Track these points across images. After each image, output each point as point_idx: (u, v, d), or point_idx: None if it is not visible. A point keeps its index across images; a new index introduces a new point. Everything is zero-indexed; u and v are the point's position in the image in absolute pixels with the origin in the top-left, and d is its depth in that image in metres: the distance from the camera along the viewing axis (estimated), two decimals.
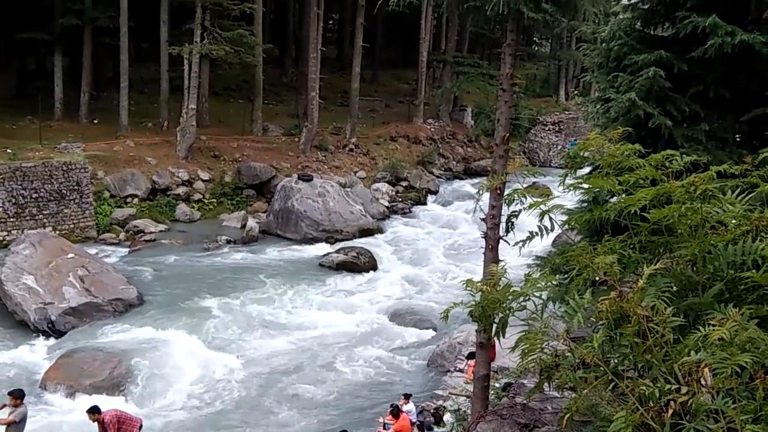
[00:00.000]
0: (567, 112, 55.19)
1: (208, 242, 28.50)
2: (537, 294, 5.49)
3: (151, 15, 39.17)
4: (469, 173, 45.87)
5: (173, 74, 38.09)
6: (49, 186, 27.70)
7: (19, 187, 26.99)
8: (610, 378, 4.65)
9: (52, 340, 19.05)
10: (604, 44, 11.96)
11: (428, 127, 47.11)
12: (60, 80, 37.83)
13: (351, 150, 41.05)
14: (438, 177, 42.95)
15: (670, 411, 4.07)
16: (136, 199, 31.10)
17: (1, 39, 32.00)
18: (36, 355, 18.15)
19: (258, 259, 27.50)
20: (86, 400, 15.76)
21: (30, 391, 16.16)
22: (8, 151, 28.76)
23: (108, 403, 14.78)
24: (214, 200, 33.37)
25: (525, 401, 7.05)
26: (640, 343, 4.54)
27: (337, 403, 16.95)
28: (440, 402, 14.52)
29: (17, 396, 12.41)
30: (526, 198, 6.81)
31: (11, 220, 26.59)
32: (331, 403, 16.95)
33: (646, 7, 11.48)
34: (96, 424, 12.54)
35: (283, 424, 15.94)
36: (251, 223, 30.54)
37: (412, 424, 14.00)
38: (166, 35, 37.36)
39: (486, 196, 9.75)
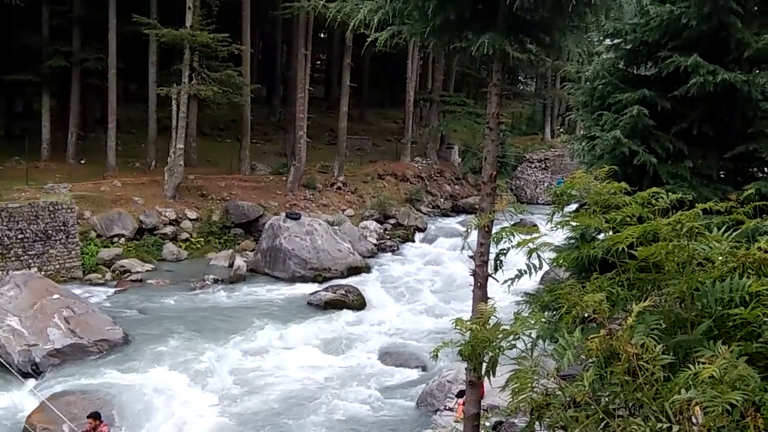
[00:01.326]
0: (553, 150, 55.73)
1: (195, 281, 28.31)
2: (527, 332, 5.48)
3: (139, 56, 39.48)
4: (456, 210, 46.07)
5: (161, 114, 38.28)
6: (35, 226, 27.53)
7: (5, 227, 26.81)
8: (601, 417, 4.62)
9: (36, 383, 18.73)
10: (588, 83, 12.16)
11: (416, 165, 47.39)
12: (47, 121, 37.89)
13: (339, 188, 41.18)
14: (426, 214, 43.07)
15: None
16: (122, 239, 30.95)
17: None
18: (19, 398, 17.79)
19: (245, 298, 27.33)
20: None
21: None
22: None
23: None
24: (202, 239, 33.27)
25: None
26: (631, 381, 4.53)
27: None
28: None
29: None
30: (514, 236, 6.84)
31: None
32: None
33: (628, 47, 11.70)
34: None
35: None
36: (239, 262, 30.41)
37: None
38: (155, 76, 37.62)
39: (474, 234, 9.77)
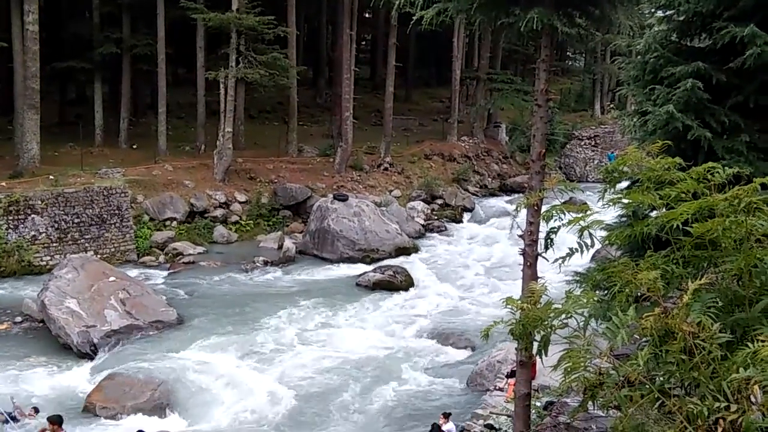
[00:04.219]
0: (603, 126, 54.71)
1: (245, 263, 28.70)
2: (579, 311, 5.42)
3: (187, 41, 39.93)
4: (504, 190, 45.65)
5: (210, 98, 38.72)
6: (91, 211, 28.22)
7: (62, 212, 27.54)
8: (656, 396, 4.55)
9: (94, 363, 19.29)
10: (639, 57, 11.85)
11: (462, 144, 47.06)
12: (100, 107, 38.68)
13: (386, 169, 41.16)
14: (473, 194, 42.80)
15: (720, 429, 3.98)
16: (174, 222, 31.52)
17: (43, 68, 32.81)
18: (79, 377, 18.37)
19: (295, 279, 27.64)
20: (128, 422, 15.98)
21: (74, 414, 16.45)
22: (50, 177, 29.42)
23: (149, 424, 14.94)
24: (251, 222, 33.67)
25: (569, 420, 6.93)
26: (687, 360, 4.45)
27: (376, 424, 16.84)
28: (481, 421, 14.35)
29: (55, 422, 12.60)
30: (564, 214, 6.75)
31: (54, 244, 27.13)
32: (371, 423, 16.84)
33: (681, 18, 11.35)
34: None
35: None
36: (288, 243, 30.72)
37: None
38: (203, 60, 38.04)
39: (523, 213, 9.68)
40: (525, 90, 45.74)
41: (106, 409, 16.45)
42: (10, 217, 26.39)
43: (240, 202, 34.13)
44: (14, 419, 14.69)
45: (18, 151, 32.39)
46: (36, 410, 15.11)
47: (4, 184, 28.62)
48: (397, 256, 30.35)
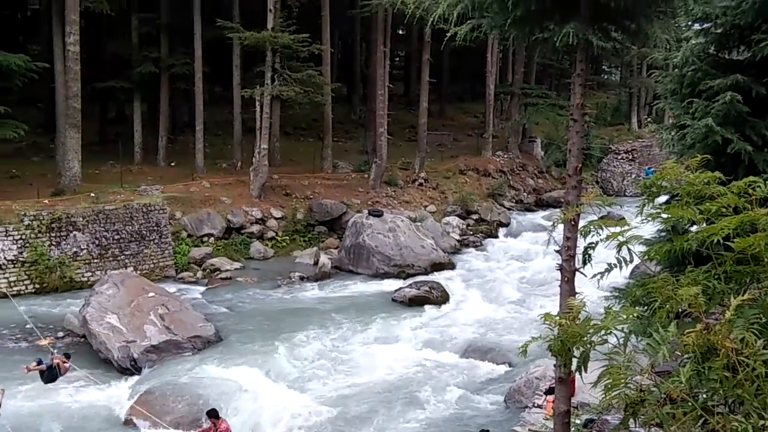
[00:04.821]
0: (640, 140, 54.11)
1: (281, 279, 28.93)
2: (618, 327, 5.37)
3: (223, 60, 40.57)
4: (540, 205, 45.37)
5: (246, 116, 39.23)
6: (130, 227, 28.72)
7: (102, 229, 28.07)
8: (699, 414, 4.49)
9: (134, 378, 19.55)
10: (676, 70, 11.76)
11: (497, 159, 46.93)
12: (139, 125, 39.45)
13: (420, 184, 41.20)
14: (509, 209, 42.59)
15: None
16: (212, 238, 31.91)
17: (84, 88, 33.60)
18: (120, 391, 18.62)
19: (331, 295, 27.74)
20: None
21: (115, 427, 16.70)
22: (91, 194, 30.02)
23: None
24: (287, 237, 33.93)
25: None
26: (730, 377, 4.38)
27: None
28: None
29: (213, 416, 13.16)
30: (602, 229, 6.70)
31: (95, 261, 27.64)
32: None
33: (719, 31, 11.25)
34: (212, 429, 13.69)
35: None
36: (323, 259, 30.87)
37: None
38: (239, 79, 38.57)
39: (560, 228, 9.63)
40: (560, 104, 45.57)
41: (146, 423, 16.65)
42: (53, 234, 26.97)
43: (276, 218, 34.43)
44: (52, 369, 14.89)
45: (60, 169, 33.10)
46: (67, 356, 15.40)
47: (46, 201, 29.27)
48: (432, 271, 30.30)
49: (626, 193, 47.98)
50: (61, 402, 17.83)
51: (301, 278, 29.24)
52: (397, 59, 70.01)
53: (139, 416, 16.88)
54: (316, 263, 30.97)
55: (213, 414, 14.26)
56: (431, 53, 42.16)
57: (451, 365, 21.02)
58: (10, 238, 26.08)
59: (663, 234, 8.92)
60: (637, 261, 6.83)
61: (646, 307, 6.56)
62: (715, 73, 10.73)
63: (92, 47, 40.09)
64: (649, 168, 46.16)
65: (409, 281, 28.33)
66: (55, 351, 15.56)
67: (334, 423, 17.54)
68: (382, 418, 17.74)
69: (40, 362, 15.21)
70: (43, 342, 21.24)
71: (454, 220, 38.13)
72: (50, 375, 15.06)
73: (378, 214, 32.18)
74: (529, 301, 26.72)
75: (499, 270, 31.36)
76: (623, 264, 6.43)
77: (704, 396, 4.75)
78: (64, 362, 15.31)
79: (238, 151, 39.26)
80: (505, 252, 34.77)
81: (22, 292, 25.72)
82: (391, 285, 28.52)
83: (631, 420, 5.25)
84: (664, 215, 6.67)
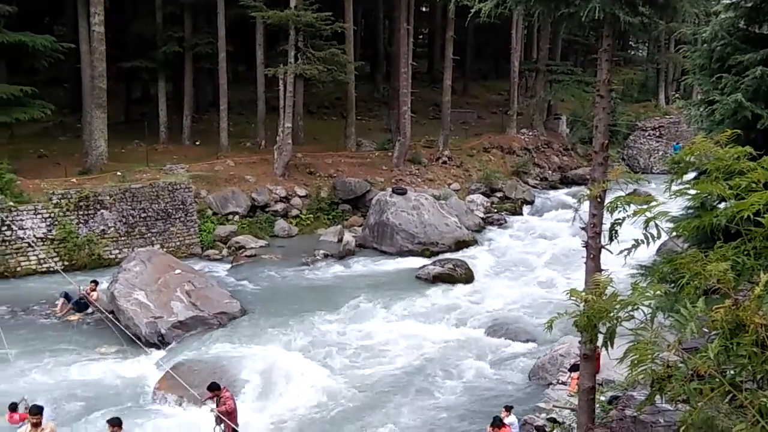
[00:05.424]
0: (667, 117, 53.43)
1: (306, 257, 29.08)
2: (645, 303, 5.35)
3: (247, 39, 40.56)
4: (565, 182, 45.10)
5: (269, 95, 39.30)
6: (156, 206, 29.00)
7: (129, 207, 28.38)
8: (727, 389, 4.48)
9: (161, 353, 19.83)
10: (705, 45, 11.58)
11: (522, 137, 46.63)
12: (164, 105, 39.67)
13: (444, 162, 41.08)
14: (533, 187, 42.41)
15: None
16: (236, 216, 32.13)
17: (110, 68, 33.84)
18: (147, 366, 18.90)
19: (355, 272, 27.87)
20: (194, 410, 16.38)
21: (143, 401, 17.00)
22: (118, 173, 30.32)
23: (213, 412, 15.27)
24: (311, 215, 34.07)
25: (635, 413, 6.85)
26: (759, 353, 4.36)
27: (437, 417, 16.87)
28: (544, 414, 14.26)
29: (115, 425, 13.12)
30: (629, 205, 6.66)
31: (122, 238, 27.98)
32: (431, 416, 16.88)
33: (749, 5, 11.05)
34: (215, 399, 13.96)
35: None
36: (347, 237, 30.98)
37: None
38: (262, 57, 38.61)
39: (585, 205, 9.59)
40: (586, 81, 45.10)
41: (173, 396, 16.91)
42: (81, 212, 27.32)
43: (300, 197, 34.56)
44: (80, 301, 15.08)
45: (87, 148, 33.45)
46: (95, 283, 15.54)
47: (74, 180, 29.63)
48: (456, 249, 30.28)
49: (653, 171, 47.52)
50: (91, 376, 18.17)
51: (325, 256, 29.39)
52: (421, 37, 69.58)
53: (167, 390, 17.14)
54: (340, 241, 31.10)
55: (214, 387, 14.43)
56: (455, 30, 41.85)
57: (475, 342, 21.06)
58: (39, 216, 26.46)
59: (691, 210, 8.85)
60: (664, 238, 6.79)
61: (673, 284, 6.53)
62: (744, 47, 10.57)
63: (117, 27, 40.33)
64: (677, 144, 45.64)
65: (433, 259, 28.38)
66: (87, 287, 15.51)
67: (357, 398, 17.69)
68: (405, 394, 17.86)
69: (67, 298, 15.28)
70: (73, 318, 21.63)
71: (478, 198, 38.02)
72: (80, 306, 15.22)
73: (402, 192, 32.16)
74: (553, 278, 26.65)
75: (523, 247, 31.30)
76: (650, 240, 6.40)
77: (732, 372, 4.73)
78: (93, 290, 15.37)
79: (262, 129, 39.39)
80: (529, 230, 34.66)
81: (51, 269, 26.10)
82: (415, 263, 28.57)
83: (658, 396, 5.25)
84: (693, 191, 6.61)
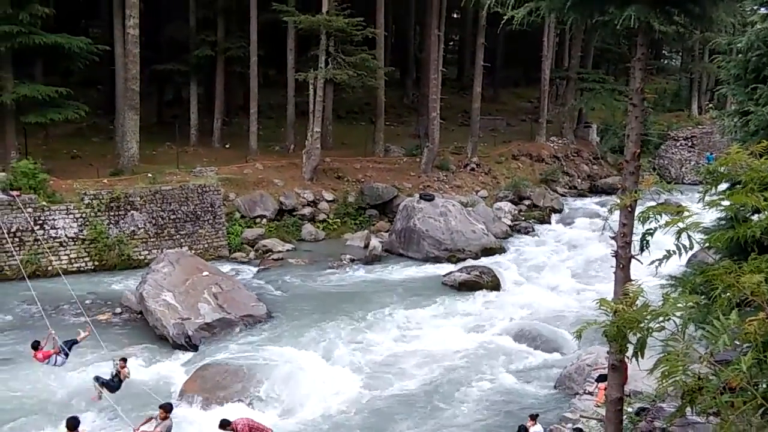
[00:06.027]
0: (700, 127, 52.78)
1: (332, 261, 29.17)
2: (677, 314, 5.29)
3: (278, 43, 40.86)
4: (594, 191, 44.74)
5: (299, 99, 39.55)
6: (186, 208, 29.29)
7: (159, 209, 28.69)
8: (759, 403, 4.41)
9: (188, 354, 20.00)
10: (740, 55, 11.44)
11: (551, 145, 46.38)
12: (195, 108, 40.10)
13: (472, 169, 41.00)
14: (562, 195, 42.15)
15: None
16: (264, 220, 32.34)
17: (143, 71, 34.29)
18: (175, 367, 19.07)
19: (381, 277, 27.87)
20: (219, 411, 16.47)
21: (167, 400, 17.11)
22: (149, 175, 30.68)
23: (239, 413, 15.37)
24: (338, 220, 34.17)
25: (665, 426, 6.77)
26: None
27: (462, 425, 16.79)
28: (570, 425, 14.12)
29: (167, 410, 13.27)
30: (661, 216, 6.60)
31: (151, 239, 28.28)
32: (456, 424, 16.81)
33: None
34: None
35: None
36: (374, 242, 31.01)
37: None
38: (293, 62, 38.89)
39: (616, 214, 9.50)
40: (618, 89, 44.70)
41: (199, 398, 17.03)
42: (112, 213, 27.67)
43: (327, 201, 34.69)
44: (113, 380, 15.32)
45: (119, 149, 33.92)
46: (124, 360, 15.80)
47: (105, 181, 30.05)
48: (483, 256, 30.20)
49: (684, 181, 46.95)
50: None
51: (352, 260, 29.45)
52: (451, 43, 69.57)
53: (193, 392, 17.26)
54: (366, 246, 31.14)
55: (224, 424, 13.13)
56: (486, 37, 41.78)
57: (501, 350, 20.94)
58: (71, 216, 26.84)
59: (723, 222, 8.73)
60: (696, 248, 6.71)
61: (705, 296, 6.45)
62: None
63: (151, 30, 40.84)
64: (710, 155, 45.04)
65: (460, 266, 28.29)
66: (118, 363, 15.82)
67: (380, 405, 17.66)
68: (429, 401, 17.79)
69: (98, 381, 15.52)
70: (102, 317, 21.92)
71: (506, 205, 37.86)
72: (114, 386, 15.46)
73: (429, 198, 32.14)
74: (581, 288, 26.46)
75: (551, 256, 31.10)
76: (682, 251, 6.33)
77: (765, 385, 4.66)
78: (123, 367, 15.67)
79: (291, 134, 39.63)
80: (557, 238, 34.43)
81: (82, 268, 26.50)
82: (441, 269, 28.51)
83: (688, 408, 5.19)
84: (726, 202, 6.53)
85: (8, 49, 29.96)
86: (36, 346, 14.60)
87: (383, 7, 40.22)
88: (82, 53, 32.43)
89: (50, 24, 33.15)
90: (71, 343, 15.64)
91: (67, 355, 15.23)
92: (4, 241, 24.87)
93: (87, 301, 23.05)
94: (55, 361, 14.98)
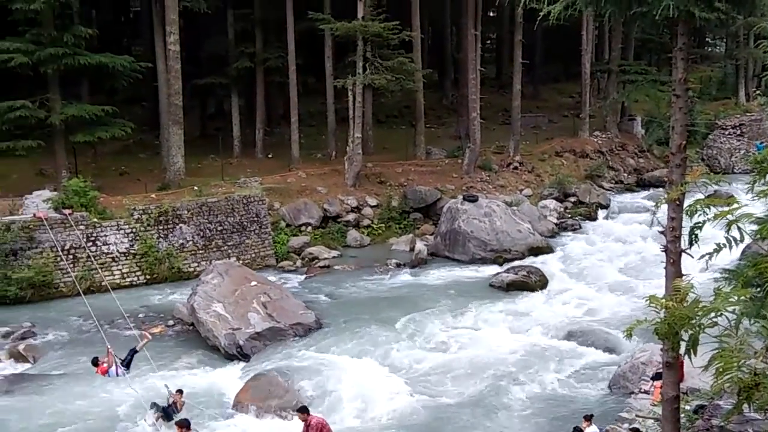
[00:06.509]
0: (748, 114, 51.43)
1: (378, 266, 29.22)
2: (729, 309, 5.15)
3: (316, 51, 41.12)
4: (641, 185, 43.92)
5: (338, 105, 39.76)
6: (232, 219, 29.66)
7: (206, 221, 29.11)
8: None
9: (240, 364, 20.23)
10: None
11: (595, 139, 45.74)
12: (237, 119, 40.62)
13: (515, 168, 40.66)
14: (608, 190, 41.49)
15: None
16: (309, 227, 32.56)
17: (185, 85, 34.89)
18: (227, 377, 19.28)
19: (428, 281, 27.81)
20: (273, 420, 16.64)
21: (222, 412, 17.34)
22: (195, 188, 31.17)
23: (291, 423, 15.49)
24: (383, 225, 34.21)
25: (722, 424, 6.60)
26: None
27: (513, 428, 16.64)
28: (626, 425, 13.86)
29: (183, 425, 13.43)
30: (709, 208, 6.45)
31: (200, 251, 28.72)
32: (508, 426, 16.67)
33: None
34: (303, 424, 13.65)
35: None
36: (419, 245, 30.96)
37: None
38: (331, 69, 39.12)
39: (664, 208, 9.31)
40: (661, 80, 43.87)
41: (253, 407, 17.19)
42: (161, 227, 28.17)
43: (371, 206, 34.77)
44: (167, 409, 15.54)
45: (165, 164, 34.53)
46: (180, 392, 16.01)
47: (153, 195, 30.62)
48: (530, 256, 29.91)
49: (734, 171, 45.81)
50: (172, 387, 18.60)
51: (398, 265, 29.45)
52: (488, 42, 69.15)
53: (246, 401, 17.44)
54: (412, 250, 31.11)
55: (303, 410, 14.08)
56: (523, 34, 41.44)
57: (552, 351, 20.70)
58: (122, 231, 27.41)
59: None
60: (748, 240, 6.53)
61: (759, 288, 6.27)
62: None
63: (191, 45, 41.51)
64: (761, 143, 43.88)
65: (507, 266, 28.06)
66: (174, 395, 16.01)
67: (432, 407, 17.61)
68: (480, 404, 17.67)
69: (156, 408, 15.73)
70: (156, 330, 22.30)
71: (551, 203, 37.45)
72: (168, 414, 15.64)
73: (473, 199, 31.97)
74: (631, 284, 26.02)
75: (599, 253, 30.63)
76: (733, 244, 6.17)
77: None
78: (180, 398, 15.84)
79: (332, 140, 39.85)
80: (605, 234, 33.89)
81: (134, 282, 27.03)
82: (488, 270, 28.33)
83: (745, 405, 5.05)
84: None
85: (55, 71, 30.80)
86: (96, 362, 14.90)
87: (418, 9, 40.16)
88: (125, 71, 33.16)
89: (94, 44, 33.95)
90: (131, 353, 15.89)
91: (127, 366, 15.47)
92: (59, 258, 25.51)
93: (140, 315, 23.52)
94: (116, 373, 15.24)
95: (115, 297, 21.32)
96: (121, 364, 15.56)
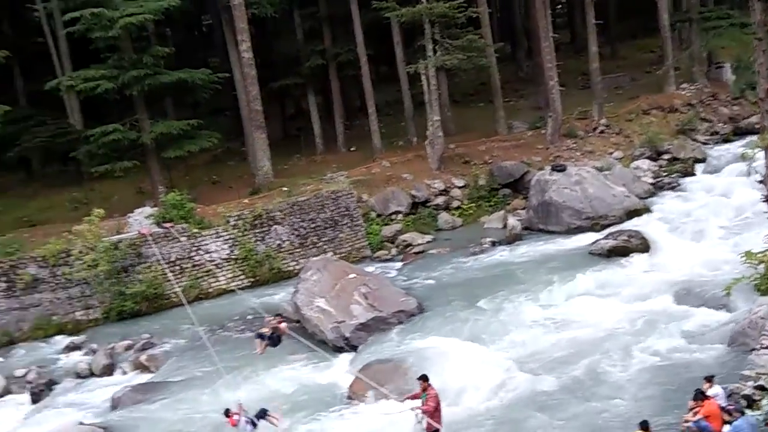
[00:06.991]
0: None
1: (473, 246, 29.07)
2: None
3: (384, 40, 41.21)
4: (739, 133, 41.79)
5: (414, 91, 39.74)
6: (323, 215, 30.16)
7: (299, 220, 29.71)
8: None
9: (350, 355, 20.60)
10: None
11: (683, 92, 44.03)
12: (316, 117, 41.25)
13: (602, 132, 39.62)
14: (704, 143, 39.89)
15: None
16: (399, 215, 32.74)
17: (262, 90, 35.60)
18: (338, 369, 19.59)
19: (525, 255, 27.44)
20: (387, 405, 16.78)
21: (340, 402, 17.74)
22: (284, 189, 31.84)
23: (404, 407, 15.60)
24: (473, 204, 34.02)
25: None
26: None
27: (631, 396, 16.25)
28: (750, 382, 13.35)
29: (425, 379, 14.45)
30: None
31: (297, 250, 29.35)
32: (625, 396, 16.29)
33: None
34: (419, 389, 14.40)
35: (578, 420, 15.63)
36: (512, 221, 30.63)
37: (722, 409, 13.04)
38: (402, 55, 39.14)
39: (760, 156, 8.92)
40: (745, 23, 41.77)
41: (368, 395, 17.47)
42: (257, 230, 28.93)
43: (458, 187, 34.63)
44: (272, 336, 15.95)
45: (253, 169, 35.43)
46: (280, 315, 16.32)
47: (246, 201, 31.47)
48: (628, 219, 29.08)
49: None
50: (287, 383, 19.17)
51: (493, 243, 29.23)
52: (559, 6, 67.59)
53: (360, 390, 17.73)
54: (505, 226, 30.83)
55: (424, 378, 14.71)
56: None
57: (663, 313, 20.13)
58: (221, 238, 28.30)
59: None
60: None
61: None
62: None
63: (263, 50, 42.35)
64: None
65: (605, 232, 27.35)
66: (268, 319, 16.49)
67: (541, 383, 17.41)
68: (595, 377, 17.34)
69: (262, 337, 16.29)
70: (265, 330, 22.86)
71: (644, 163, 36.32)
72: (275, 341, 16.14)
73: (561, 169, 31.36)
74: (737, 238, 24.86)
75: (701, 209, 29.38)
76: None
77: None
78: (280, 323, 16.30)
79: (412, 126, 39.86)
80: (705, 189, 32.54)
81: (239, 286, 27.85)
82: (585, 239, 27.67)
83: None
84: None
85: (139, 93, 32.06)
86: (227, 413, 15.18)
87: None
88: (204, 84, 34.16)
89: (172, 62, 35.10)
90: (262, 413, 15.90)
91: (255, 425, 15.40)
92: (167, 270, 26.52)
93: (249, 317, 24.20)
94: (245, 429, 15.31)
95: (225, 302, 21.98)
96: (251, 420, 15.44)
